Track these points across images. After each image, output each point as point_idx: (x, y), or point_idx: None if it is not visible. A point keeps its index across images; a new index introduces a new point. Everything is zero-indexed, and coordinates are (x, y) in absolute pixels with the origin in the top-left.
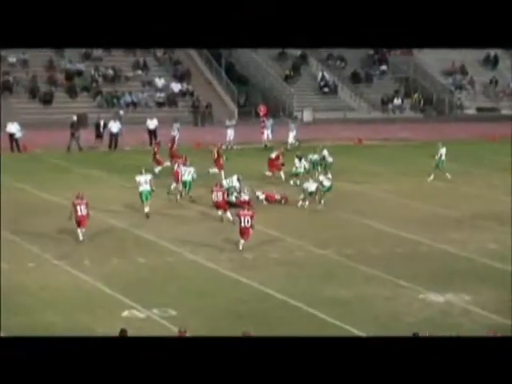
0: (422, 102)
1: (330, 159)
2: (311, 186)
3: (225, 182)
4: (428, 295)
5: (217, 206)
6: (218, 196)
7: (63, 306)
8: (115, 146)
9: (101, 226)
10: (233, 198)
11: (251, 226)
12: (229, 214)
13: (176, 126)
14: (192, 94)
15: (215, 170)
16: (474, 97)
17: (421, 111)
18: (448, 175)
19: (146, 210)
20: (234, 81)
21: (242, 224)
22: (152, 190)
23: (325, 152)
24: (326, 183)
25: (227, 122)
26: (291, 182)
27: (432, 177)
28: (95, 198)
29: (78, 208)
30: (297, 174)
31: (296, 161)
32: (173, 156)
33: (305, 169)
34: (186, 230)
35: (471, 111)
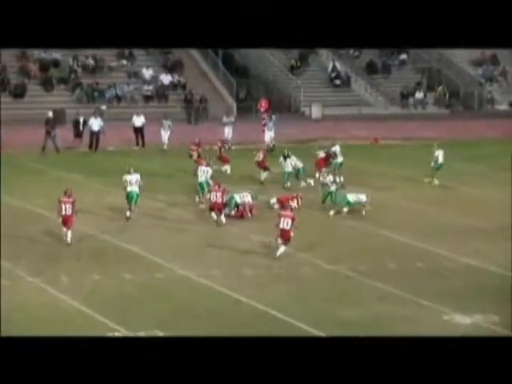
0: (447, 95)
1: (340, 159)
2: (357, 196)
3: (238, 198)
4: (453, 316)
5: (213, 207)
6: (216, 196)
7: (38, 327)
8: (96, 146)
9: (80, 237)
10: (230, 212)
11: (291, 228)
12: (223, 217)
13: (167, 123)
14: (184, 87)
15: (265, 175)
16: (507, 90)
17: (446, 106)
18: (436, 181)
19: (128, 213)
20: (232, 72)
21: (281, 225)
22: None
23: (335, 148)
24: (360, 198)
25: (224, 119)
26: (284, 186)
27: (436, 181)
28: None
29: (63, 207)
30: (289, 176)
31: (281, 160)
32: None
33: (294, 169)
34: (177, 240)
35: (503, 106)
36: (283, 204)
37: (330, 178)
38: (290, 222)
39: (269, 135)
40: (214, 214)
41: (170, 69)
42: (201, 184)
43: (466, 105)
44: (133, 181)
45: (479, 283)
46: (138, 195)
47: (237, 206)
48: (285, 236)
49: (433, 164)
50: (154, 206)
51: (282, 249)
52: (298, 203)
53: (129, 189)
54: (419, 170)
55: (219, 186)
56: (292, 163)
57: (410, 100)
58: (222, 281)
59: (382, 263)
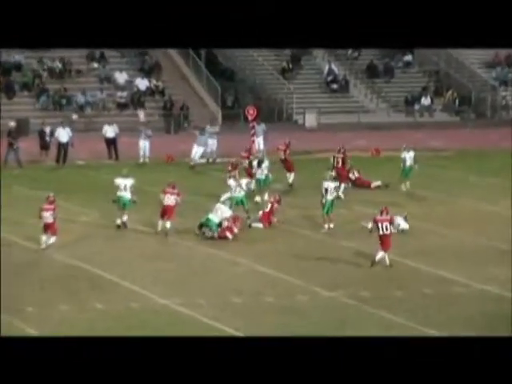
0: (457, 101)
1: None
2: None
3: (215, 217)
4: None
5: (164, 211)
6: (170, 199)
7: None
8: (65, 159)
9: (46, 262)
10: (213, 234)
11: (391, 233)
12: (168, 223)
13: (147, 132)
14: (163, 93)
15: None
16: None
17: (456, 113)
18: (407, 185)
19: (124, 218)
20: (216, 76)
21: (381, 231)
22: (133, 201)
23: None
24: None
25: (208, 129)
26: (256, 199)
27: (404, 187)
28: (39, 226)
29: (44, 214)
30: (260, 184)
31: (254, 164)
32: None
33: (264, 175)
34: (156, 265)
35: None
36: (264, 221)
37: (330, 184)
38: (388, 225)
39: (199, 151)
40: (160, 223)
41: (147, 72)
42: (238, 200)
43: (478, 111)
44: (121, 186)
45: (494, 311)
46: (130, 201)
47: (219, 225)
48: (385, 242)
49: (401, 166)
50: (131, 227)
51: (385, 256)
52: (274, 206)
53: (118, 193)
54: (426, 184)
55: (174, 188)
56: (266, 170)
57: (416, 106)
58: (206, 310)
59: (387, 290)
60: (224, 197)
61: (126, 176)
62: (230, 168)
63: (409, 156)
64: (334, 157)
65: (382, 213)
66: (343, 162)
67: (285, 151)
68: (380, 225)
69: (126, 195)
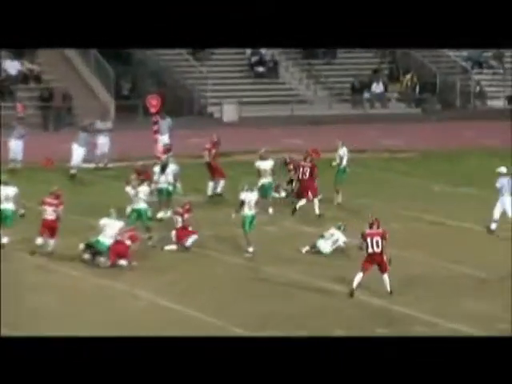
0: (417, 88)
1: (265, 179)
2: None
3: (105, 238)
4: None
5: (43, 227)
6: (47, 212)
7: None
8: None
9: None
10: (104, 260)
11: (383, 250)
12: (52, 241)
13: (20, 132)
14: (39, 79)
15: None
16: (503, 80)
17: (416, 103)
18: (339, 198)
19: (4, 240)
20: (108, 58)
21: (370, 249)
22: (21, 215)
23: (258, 164)
24: None
25: (98, 125)
26: (159, 215)
27: (339, 199)
28: None
29: None
30: (163, 194)
31: (155, 170)
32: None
33: (169, 183)
34: (32, 297)
35: (499, 102)
36: (180, 238)
37: (248, 195)
38: (379, 241)
39: (79, 153)
40: (39, 241)
41: (19, 53)
42: (138, 213)
43: (445, 101)
44: (2, 196)
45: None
46: (13, 214)
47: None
48: (377, 262)
49: (335, 163)
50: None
51: (386, 279)
52: (185, 217)
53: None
54: (379, 195)
55: (56, 198)
56: (171, 176)
57: (365, 95)
58: None
59: (327, 329)
60: (127, 210)
61: (6, 183)
62: (134, 174)
63: (343, 152)
64: (299, 166)
65: (371, 225)
66: (311, 173)
67: (209, 151)
68: (369, 240)
69: (9, 208)
